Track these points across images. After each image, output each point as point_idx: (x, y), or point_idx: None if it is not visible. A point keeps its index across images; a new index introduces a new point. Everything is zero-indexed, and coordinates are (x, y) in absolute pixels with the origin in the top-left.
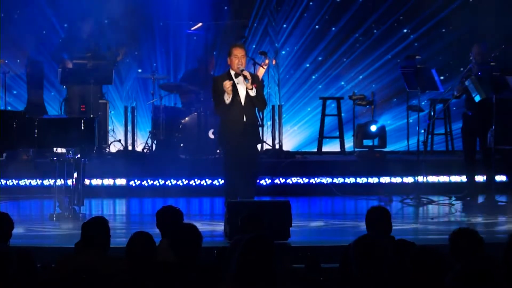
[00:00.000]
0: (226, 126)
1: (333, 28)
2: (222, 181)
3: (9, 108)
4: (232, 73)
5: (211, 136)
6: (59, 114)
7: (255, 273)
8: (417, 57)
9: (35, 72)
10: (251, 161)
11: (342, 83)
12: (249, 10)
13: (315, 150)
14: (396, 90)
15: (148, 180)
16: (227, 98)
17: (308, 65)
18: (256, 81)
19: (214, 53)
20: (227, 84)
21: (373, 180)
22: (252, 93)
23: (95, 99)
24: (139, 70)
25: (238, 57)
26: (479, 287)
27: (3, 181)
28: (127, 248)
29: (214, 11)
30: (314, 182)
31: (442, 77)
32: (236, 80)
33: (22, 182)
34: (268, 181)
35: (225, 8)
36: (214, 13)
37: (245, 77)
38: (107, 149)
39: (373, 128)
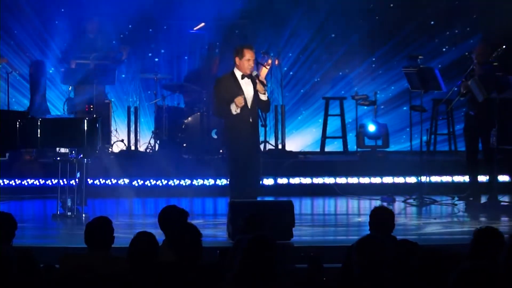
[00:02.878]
0: (232, 127)
1: (336, 27)
2: (225, 181)
3: (15, 107)
4: (239, 74)
5: (214, 136)
6: (62, 114)
7: (257, 273)
8: (420, 57)
9: (38, 72)
10: (256, 161)
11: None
12: (251, 10)
13: (318, 150)
14: (399, 90)
15: (151, 180)
16: (235, 110)
17: (311, 64)
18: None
19: (217, 51)
20: (241, 100)
21: (376, 180)
22: (264, 97)
23: (101, 100)
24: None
25: (250, 60)
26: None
27: (6, 181)
28: (130, 248)
29: (217, 10)
30: (317, 182)
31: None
32: (242, 82)
33: (25, 182)
34: (271, 181)
35: (228, 7)
36: (217, 13)
37: (262, 84)
38: (110, 149)
39: (371, 128)
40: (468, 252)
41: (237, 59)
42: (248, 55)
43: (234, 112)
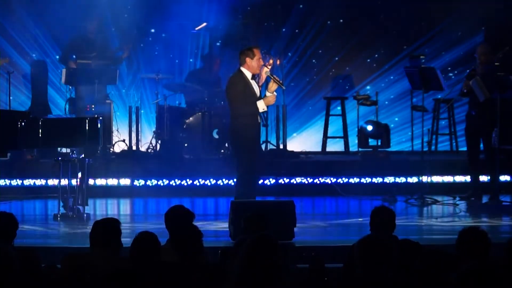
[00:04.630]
0: (247, 127)
1: (340, 22)
2: (226, 181)
3: (22, 108)
4: (248, 74)
5: (215, 136)
6: (64, 114)
7: (259, 273)
8: (421, 57)
9: (39, 72)
10: (261, 161)
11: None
12: (253, 10)
13: (319, 150)
14: (402, 89)
15: (153, 180)
16: (263, 108)
17: (312, 64)
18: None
19: (217, 51)
20: (274, 99)
21: (377, 180)
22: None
23: (102, 100)
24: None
25: (260, 59)
26: (483, 287)
27: (7, 181)
28: (132, 248)
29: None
30: (318, 182)
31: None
32: (252, 82)
33: (26, 182)
34: (272, 181)
35: (230, 8)
36: (219, 13)
37: (279, 83)
38: (111, 149)
39: (369, 128)
40: (455, 252)
41: (248, 60)
42: (258, 54)
43: (261, 110)
